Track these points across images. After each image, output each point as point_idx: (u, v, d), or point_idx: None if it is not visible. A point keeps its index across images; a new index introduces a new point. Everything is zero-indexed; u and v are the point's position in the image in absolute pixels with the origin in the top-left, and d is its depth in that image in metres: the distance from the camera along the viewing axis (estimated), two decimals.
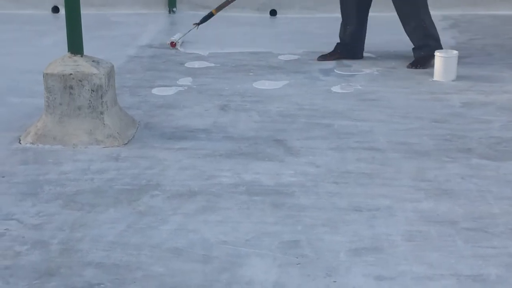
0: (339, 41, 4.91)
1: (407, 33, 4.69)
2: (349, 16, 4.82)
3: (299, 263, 2.35)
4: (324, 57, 4.89)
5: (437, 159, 3.20)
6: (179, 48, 5.18)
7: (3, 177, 3.03)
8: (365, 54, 5.00)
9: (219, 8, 5.15)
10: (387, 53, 5.07)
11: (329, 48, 4.95)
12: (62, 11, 6.01)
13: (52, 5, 6.63)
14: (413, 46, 4.71)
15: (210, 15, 5.16)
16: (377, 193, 2.86)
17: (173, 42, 5.21)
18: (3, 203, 2.78)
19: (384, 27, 5.60)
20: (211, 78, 4.53)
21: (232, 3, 5.17)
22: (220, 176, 3.03)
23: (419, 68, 4.59)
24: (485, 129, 3.57)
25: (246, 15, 6.45)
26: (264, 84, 4.39)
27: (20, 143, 3.39)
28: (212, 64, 4.87)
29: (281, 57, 5.05)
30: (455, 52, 4.45)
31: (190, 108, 3.94)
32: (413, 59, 4.71)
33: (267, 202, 2.79)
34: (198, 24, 5.16)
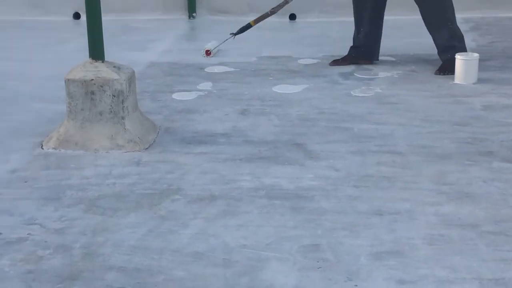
0: (352, 44, 4.89)
1: (432, 35, 4.63)
2: (362, 19, 4.79)
3: (319, 267, 2.35)
4: (336, 62, 4.87)
5: (458, 162, 3.18)
6: (211, 56, 5.12)
7: (25, 182, 3.06)
8: (384, 58, 4.99)
9: (258, 20, 5.03)
10: (407, 56, 5.05)
11: (347, 51, 4.94)
12: (83, 17, 6.06)
13: (73, 12, 6.70)
14: (437, 49, 4.65)
15: (248, 26, 5.04)
16: (398, 197, 2.85)
17: (208, 50, 5.16)
18: (26, 208, 2.81)
19: (403, 30, 5.60)
20: (231, 82, 4.55)
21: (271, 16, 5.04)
22: (240, 180, 3.03)
23: (447, 74, 4.51)
24: (507, 132, 3.54)
25: (265, 20, 6.46)
26: (284, 88, 4.39)
27: (43, 149, 3.42)
28: (232, 69, 4.88)
29: (300, 61, 5.05)
30: (476, 55, 4.43)
31: (210, 112, 3.95)
32: (434, 63, 4.67)
33: (287, 206, 2.79)
34: (235, 34, 5.05)
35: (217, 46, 5.18)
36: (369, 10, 4.77)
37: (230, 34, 5.06)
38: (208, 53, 5.14)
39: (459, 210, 2.72)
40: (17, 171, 3.17)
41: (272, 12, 4.98)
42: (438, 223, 2.62)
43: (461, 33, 4.65)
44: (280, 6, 4.94)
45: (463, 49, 4.55)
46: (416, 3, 4.62)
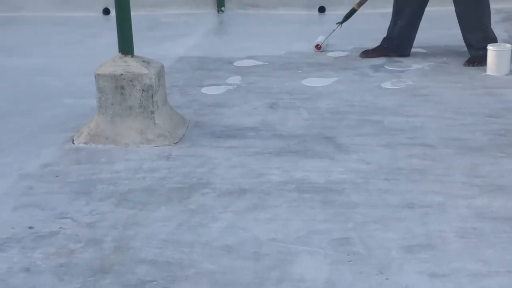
0: (385, 35, 4.84)
1: (465, 35, 4.57)
2: (401, 12, 4.74)
3: (350, 261, 2.33)
4: (367, 54, 4.83)
5: (490, 154, 3.14)
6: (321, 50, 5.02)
7: (57, 176, 3.09)
8: (415, 50, 4.94)
9: (361, 3, 4.90)
10: (438, 48, 4.99)
11: (378, 44, 4.90)
12: (113, 13, 6.09)
13: (103, 7, 6.74)
14: (468, 48, 4.59)
15: (353, 11, 4.93)
16: (429, 190, 2.82)
17: (318, 44, 5.04)
18: (58, 202, 2.84)
19: (435, 21, 5.52)
20: (259, 76, 4.54)
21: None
22: (269, 174, 3.03)
23: (476, 65, 4.48)
24: None
25: (294, 13, 6.45)
26: (313, 82, 4.37)
27: (74, 143, 3.45)
28: (261, 63, 4.87)
29: (330, 54, 5.02)
30: (509, 45, 4.36)
31: (239, 106, 3.95)
32: (465, 54, 4.61)
33: (317, 200, 2.77)
34: (342, 22, 4.95)
35: (325, 39, 5.05)
36: (411, 6, 4.70)
37: (337, 23, 4.96)
38: (318, 47, 5.02)
39: (492, 203, 2.68)
40: (48, 165, 3.20)
41: None
42: (470, 216, 2.59)
43: (494, 35, 4.58)
44: None
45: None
46: (454, 2, 4.55)
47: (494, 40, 4.56)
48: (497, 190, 2.79)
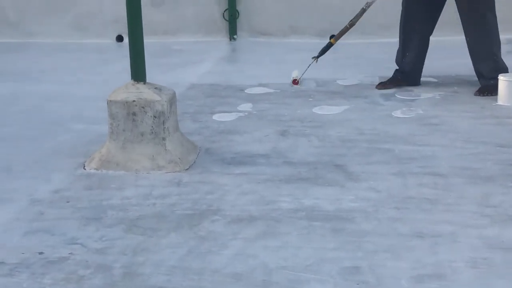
0: (396, 67, 4.86)
1: (476, 65, 4.58)
2: (409, 42, 4.75)
3: None
4: (384, 85, 4.84)
5: (502, 184, 3.13)
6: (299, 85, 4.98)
7: (68, 202, 3.10)
8: (426, 79, 4.95)
9: (338, 36, 4.92)
10: (449, 77, 5.01)
11: (390, 73, 4.92)
12: (126, 39, 6.15)
13: (116, 34, 6.81)
14: (479, 78, 4.60)
15: (329, 46, 4.93)
16: (440, 219, 2.80)
17: (295, 79, 5.00)
18: (68, 227, 2.84)
19: (445, 51, 5.55)
20: (270, 104, 4.56)
21: (349, 30, 4.90)
22: (280, 201, 3.03)
23: (487, 95, 4.48)
24: None
25: (305, 41, 6.49)
26: (324, 109, 4.39)
27: (85, 169, 3.47)
28: (272, 90, 4.90)
29: (341, 82, 5.04)
30: None
31: (250, 133, 3.96)
32: (476, 83, 4.62)
33: (327, 228, 2.77)
34: (317, 57, 4.95)
35: (302, 74, 5.02)
36: (418, 36, 4.73)
37: (312, 58, 4.93)
38: (295, 82, 4.98)
39: (503, 233, 2.67)
40: (59, 191, 3.21)
41: (351, 24, 4.85)
42: (481, 246, 2.57)
43: (505, 65, 4.59)
44: (357, 17, 4.82)
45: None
46: (464, 32, 4.57)
47: (505, 70, 4.57)
48: (509, 220, 2.77)
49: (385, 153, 3.56)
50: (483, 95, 4.49)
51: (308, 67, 4.90)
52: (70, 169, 3.47)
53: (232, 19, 6.67)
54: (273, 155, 3.60)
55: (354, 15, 6.46)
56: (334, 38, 4.91)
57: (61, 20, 6.88)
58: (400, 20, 4.81)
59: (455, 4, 4.56)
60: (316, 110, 4.38)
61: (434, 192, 3.06)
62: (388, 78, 4.88)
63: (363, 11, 4.74)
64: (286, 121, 4.16)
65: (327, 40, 6.53)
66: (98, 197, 3.13)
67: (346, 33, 4.87)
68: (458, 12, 4.55)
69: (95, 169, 3.44)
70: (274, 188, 3.17)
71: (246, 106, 4.51)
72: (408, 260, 2.49)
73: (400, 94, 4.66)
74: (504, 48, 5.54)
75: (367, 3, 4.72)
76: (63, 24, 6.88)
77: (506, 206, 2.90)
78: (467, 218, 2.81)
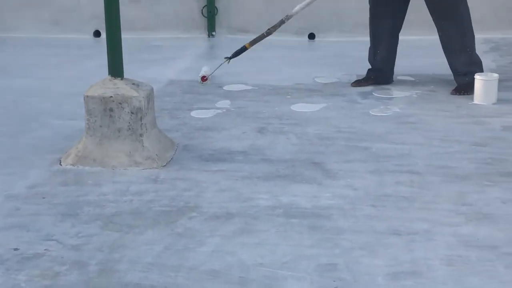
0: (369, 66, 4.88)
1: (449, 60, 4.61)
2: (380, 40, 4.77)
3: (336, 287, 2.33)
4: (359, 83, 4.86)
5: (477, 183, 3.16)
6: (209, 83, 4.97)
7: (43, 198, 3.07)
8: (403, 77, 4.98)
9: (253, 42, 4.95)
10: (426, 76, 5.04)
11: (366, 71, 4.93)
12: (104, 35, 6.12)
13: (94, 30, 6.76)
14: (454, 74, 4.64)
15: (243, 49, 4.95)
16: (416, 217, 2.83)
17: (204, 76, 5.00)
18: (44, 223, 2.82)
19: (422, 50, 5.59)
20: (249, 101, 4.56)
21: (267, 37, 4.95)
22: (257, 199, 3.03)
23: (464, 94, 4.51)
24: None
25: (284, 39, 6.48)
26: (302, 107, 4.39)
27: (61, 165, 3.44)
28: (250, 87, 4.89)
29: (319, 80, 5.05)
30: (496, 75, 4.41)
31: (228, 130, 3.96)
32: (453, 83, 4.65)
33: (304, 225, 2.78)
34: (230, 58, 4.95)
35: (212, 72, 5.02)
36: (387, 33, 4.76)
37: (225, 58, 4.95)
38: (204, 79, 4.98)
39: (478, 231, 2.69)
40: (35, 187, 3.19)
41: (268, 33, 4.90)
42: (456, 244, 2.60)
43: (479, 59, 4.63)
44: (275, 27, 4.87)
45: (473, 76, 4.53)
46: (436, 27, 4.60)
47: (479, 64, 4.60)
48: (483, 219, 2.80)
49: (362, 151, 3.58)
50: (460, 94, 4.52)
51: (219, 66, 4.93)
52: (46, 165, 3.45)
53: (210, 16, 6.66)
54: (251, 152, 3.60)
55: (331, 14, 6.51)
56: (250, 43, 4.94)
57: (38, 15, 6.82)
58: (369, 18, 4.82)
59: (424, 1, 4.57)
60: (295, 107, 4.39)
61: (410, 190, 3.09)
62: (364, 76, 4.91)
63: (282, 22, 4.86)
64: (264, 118, 4.16)
65: (305, 39, 6.59)
66: (74, 193, 3.11)
67: (262, 39, 4.94)
68: (428, 7, 4.56)
69: (71, 165, 3.42)
70: (252, 185, 3.17)
71: (225, 103, 4.50)
72: (384, 257, 2.51)
73: (378, 92, 4.68)
74: (481, 48, 5.61)
75: (287, 16, 4.83)
76: (40, 19, 6.82)
77: (481, 205, 2.93)
78: (442, 216, 2.83)
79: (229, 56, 4.95)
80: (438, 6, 4.53)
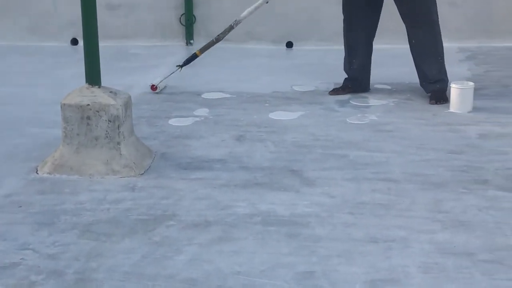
0: (346, 75, 4.90)
1: (420, 67, 4.65)
2: (356, 50, 4.80)
3: None
4: (336, 91, 4.88)
5: (453, 190, 3.19)
6: (158, 91, 4.92)
7: (20, 206, 3.05)
8: (380, 86, 5.02)
9: (204, 49, 4.96)
10: (402, 85, 5.07)
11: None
12: (81, 43, 6.10)
13: (71, 37, 6.73)
14: (423, 81, 4.67)
15: (194, 57, 4.95)
16: (393, 224, 2.85)
17: (154, 85, 4.92)
18: (20, 232, 2.80)
19: (399, 59, 5.62)
20: (227, 108, 4.56)
21: (216, 44, 4.97)
22: (235, 206, 3.03)
23: (443, 103, 4.54)
24: (502, 160, 3.55)
25: (262, 47, 6.51)
26: (280, 115, 4.41)
27: (38, 173, 3.42)
28: (228, 95, 4.90)
29: (297, 88, 5.07)
30: (471, 83, 4.45)
31: (206, 138, 3.96)
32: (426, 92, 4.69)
33: (282, 233, 2.78)
34: (182, 66, 4.95)
35: (162, 80, 4.96)
36: (361, 43, 4.79)
37: (177, 66, 4.93)
38: (153, 88, 4.91)
39: (454, 239, 2.72)
40: (11, 195, 3.16)
41: (217, 39, 4.92)
42: (433, 251, 2.62)
43: (445, 68, 4.69)
44: (225, 33, 4.89)
45: (447, 83, 4.56)
46: (408, 34, 4.64)
47: (446, 72, 4.64)
48: (460, 226, 2.83)
49: (339, 159, 3.60)
50: (439, 103, 4.54)
51: (170, 74, 4.92)
52: (22, 173, 3.42)
53: (188, 24, 6.65)
54: (229, 160, 3.60)
55: (309, 23, 6.53)
56: (200, 50, 4.95)
57: (15, 23, 6.77)
58: (343, 28, 4.85)
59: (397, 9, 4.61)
60: (273, 115, 4.40)
61: (387, 198, 3.11)
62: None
63: (230, 28, 4.87)
64: (242, 126, 4.17)
65: (283, 47, 6.61)
66: (51, 202, 3.09)
67: (213, 47, 4.99)
68: (401, 14, 4.60)
69: (48, 173, 3.40)
70: (230, 193, 3.17)
71: (203, 111, 4.50)
72: (362, 265, 2.52)
73: (355, 100, 4.71)
74: (457, 56, 5.68)
75: (235, 21, 4.86)
76: (17, 26, 6.77)
77: (457, 212, 2.95)
78: (419, 223, 2.85)
79: (180, 64, 4.94)
80: (411, 13, 4.57)
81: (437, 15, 4.61)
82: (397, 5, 4.61)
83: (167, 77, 4.95)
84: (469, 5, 6.38)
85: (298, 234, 2.77)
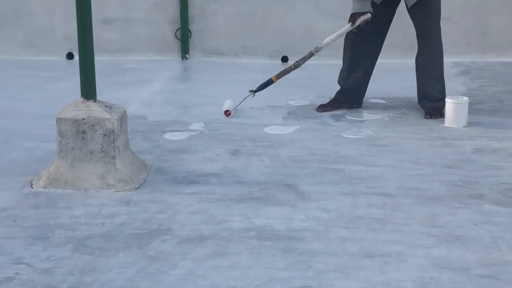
0: (340, 88, 4.89)
1: (423, 84, 4.65)
2: (358, 63, 4.79)
3: None
4: (324, 108, 4.85)
5: (448, 205, 3.19)
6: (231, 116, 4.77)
7: (14, 221, 3.04)
8: (375, 100, 5.03)
9: (280, 75, 4.79)
10: (398, 99, 5.09)
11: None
12: (77, 57, 6.10)
13: (66, 52, 6.74)
14: (423, 98, 4.68)
15: (269, 82, 4.78)
16: (388, 239, 2.84)
17: (228, 111, 4.76)
18: (14, 247, 2.78)
19: (394, 73, 5.65)
20: (222, 123, 4.56)
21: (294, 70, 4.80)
22: (230, 221, 3.02)
23: (437, 117, 4.55)
24: (497, 175, 3.55)
25: (257, 62, 6.53)
26: (275, 129, 4.41)
27: (32, 187, 3.41)
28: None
29: (292, 103, 5.08)
30: (466, 98, 4.46)
31: (201, 152, 3.95)
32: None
33: (278, 247, 2.77)
34: (255, 91, 4.76)
35: (236, 106, 4.81)
36: (368, 57, 4.76)
37: (250, 91, 4.77)
38: (227, 113, 4.77)
39: (450, 253, 2.71)
40: (6, 209, 3.15)
41: (296, 65, 4.78)
42: (428, 266, 2.61)
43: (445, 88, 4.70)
44: (304, 59, 4.76)
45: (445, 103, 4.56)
46: (418, 52, 4.63)
47: (445, 91, 4.66)
48: (455, 241, 2.82)
49: (335, 173, 3.60)
50: (434, 118, 4.55)
51: (243, 100, 4.79)
52: (17, 187, 3.41)
53: (184, 39, 6.67)
54: (225, 175, 3.60)
55: (304, 37, 6.55)
56: (276, 76, 4.84)
57: (11, 37, 6.78)
58: (347, 40, 4.83)
59: (413, 25, 4.62)
60: (268, 130, 4.40)
61: (383, 212, 3.10)
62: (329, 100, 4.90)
63: (311, 54, 4.76)
64: (237, 141, 4.17)
65: (278, 61, 6.62)
66: (45, 216, 3.08)
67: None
68: (416, 30, 4.61)
69: (43, 187, 3.39)
70: (225, 208, 3.16)
71: (198, 125, 4.50)
72: (357, 279, 2.52)
73: (350, 115, 4.72)
74: (452, 71, 5.70)
75: (316, 48, 4.76)
76: (13, 41, 6.77)
77: (452, 227, 2.95)
78: (415, 238, 2.85)
79: (254, 89, 4.78)
80: (422, 31, 4.58)
81: (441, 35, 4.63)
82: (413, 20, 4.62)
83: (240, 102, 4.79)
84: (464, 20, 6.42)
85: (293, 248, 2.76)
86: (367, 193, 3.33)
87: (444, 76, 4.69)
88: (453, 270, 2.58)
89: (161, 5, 6.72)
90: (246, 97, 4.77)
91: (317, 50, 4.75)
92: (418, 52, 4.67)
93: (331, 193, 3.33)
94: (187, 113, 4.81)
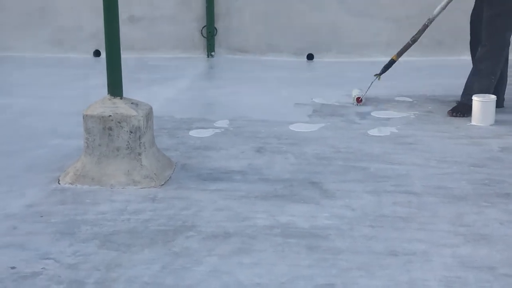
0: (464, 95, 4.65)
1: (472, 78, 4.56)
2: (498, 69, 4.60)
3: None
4: (459, 114, 4.59)
5: (475, 203, 3.16)
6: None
7: (41, 216, 3.07)
8: (401, 98, 5.00)
9: (400, 53, 4.79)
10: (424, 97, 5.06)
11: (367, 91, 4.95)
12: (104, 54, 6.15)
13: (94, 49, 6.80)
14: (465, 92, 4.59)
15: (392, 62, 4.80)
16: (413, 238, 2.82)
17: (359, 97, 4.84)
18: (41, 242, 2.82)
19: (420, 71, 5.61)
20: (247, 120, 4.56)
21: (408, 48, 4.77)
22: (255, 218, 3.03)
23: (460, 116, 4.49)
24: None
25: (283, 59, 6.53)
26: (300, 127, 4.41)
27: (59, 184, 3.44)
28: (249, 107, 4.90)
29: (317, 100, 5.07)
30: (493, 96, 4.42)
31: (226, 150, 3.96)
32: (452, 104, 4.64)
33: (302, 245, 2.77)
34: (380, 74, 4.81)
35: (365, 92, 4.85)
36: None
37: (375, 75, 4.81)
38: (359, 100, 4.83)
39: (476, 252, 2.69)
40: (33, 205, 3.19)
41: (414, 40, 4.76)
42: (454, 265, 2.59)
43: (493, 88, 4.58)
44: (420, 33, 4.74)
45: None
46: (481, 45, 4.55)
47: (490, 91, 4.55)
48: (481, 240, 2.80)
49: (360, 171, 3.58)
50: (456, 116, 4.51)
51: (370, 84, 4.81)
52: (44, 183, 3.45)
53: (210, 36, 6.69)
54: (249, 172, 3.60)
55: (330, 35, 6.53)
56: (396, 54, 4.81)
57: (39, 34, 6.85)
58: (499, 51, 4.58)
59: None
60: (293, 127, 4.40)
61: (408, 211, 3.09)
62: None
63: (425, 26, 4.69)
64: (262, 138, 4.17)
65: (303, 59, 6.62)
66: (72, 212, 3.11)
67: (409, 49, 4.80)
68: (483, 24, 4.53)
69: (69, 183, 3.42)
70: (250, 205, 3.17)
71: (223, 123, 4.51)
72: (381, 278, 2.51)
73: (376, 113, 4.70)
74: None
75: (428, 19, 4.70)
76: (40, 38, 6.85)
77: (479, 225, 2.93)
78: (440, 237, 2.83)
79: (378, 72, 4.81)
80: (488, 26, 4.50)
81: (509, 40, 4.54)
82: (484, 15, 4.53)
83: (368, 88, 4.84)
84: None
85: (318, 246, 2.76)
86: (392, 192, 3.31)
87: (465, 69, 4.58)
88: (479, 269, 2.56)
89: (187, 3, 6.75)
90: (372, 82, 4.80)
91: (430, 21, 4.72)
92: (480, 49, 4.59)
93: (356, 191, 3.32)
94: (212, 111, 4.83)
